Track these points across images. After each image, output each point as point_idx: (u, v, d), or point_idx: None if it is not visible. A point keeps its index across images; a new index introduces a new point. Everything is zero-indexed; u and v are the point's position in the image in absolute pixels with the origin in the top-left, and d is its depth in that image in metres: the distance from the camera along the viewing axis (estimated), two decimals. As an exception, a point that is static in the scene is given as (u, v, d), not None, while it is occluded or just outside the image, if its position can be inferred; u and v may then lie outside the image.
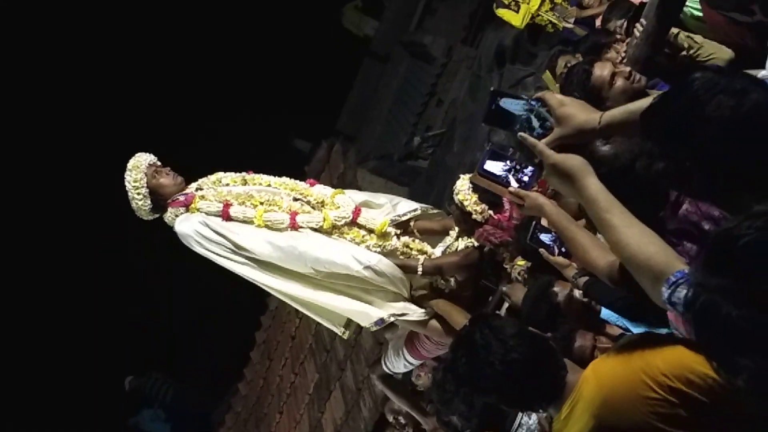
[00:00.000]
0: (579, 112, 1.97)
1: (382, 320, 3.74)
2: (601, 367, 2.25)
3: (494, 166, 2.97)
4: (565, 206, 2.78)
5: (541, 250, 3.10)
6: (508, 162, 2.98)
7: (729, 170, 1.71)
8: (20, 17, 12.75)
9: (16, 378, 13.39)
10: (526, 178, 2.91)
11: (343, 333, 3.99)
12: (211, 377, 12.81)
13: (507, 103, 2.05)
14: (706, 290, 1.29)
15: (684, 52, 3.85)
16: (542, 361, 2.31)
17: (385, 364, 4.49)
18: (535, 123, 2.04)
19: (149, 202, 3.85)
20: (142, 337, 13.58)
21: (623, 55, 3.99)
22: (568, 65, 4.23)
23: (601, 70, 3.57)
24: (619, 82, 3.58)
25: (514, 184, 2.83)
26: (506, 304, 3.81)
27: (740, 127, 1.67)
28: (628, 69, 3.64)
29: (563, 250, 3.21)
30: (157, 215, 3.93)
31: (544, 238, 3.15)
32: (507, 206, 4.01)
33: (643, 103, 1.88)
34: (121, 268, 13.46)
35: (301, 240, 3.69)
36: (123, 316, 13.79)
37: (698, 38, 4.01)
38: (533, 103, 2.03)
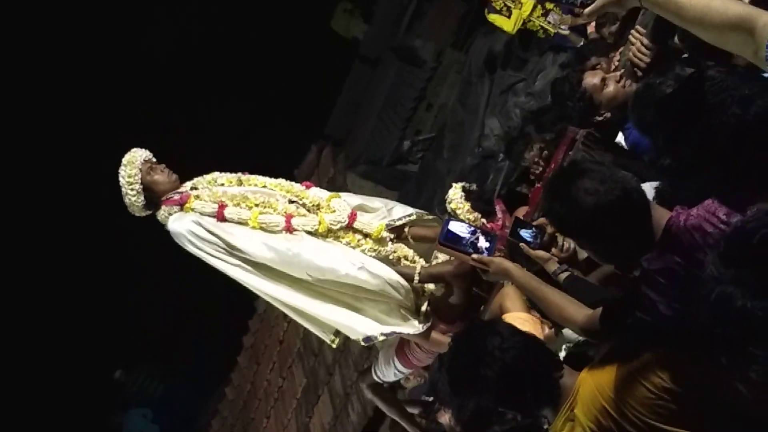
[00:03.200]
0: None
1: (370, 338, 3.70)
2: (596, 370, 2.31)
3: (458, 228, 3.03)
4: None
5: (522, 244, 3.12)
6: (468, 225, 3.05)
7: (731, 174, 1.77)
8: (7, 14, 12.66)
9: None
10: (487, 245, 2.98)
11: (333, 341, 3.96)
12: (198, 381, 12.76)
13: None
14: (721, 282, 1.30)
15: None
16: (537, 365, 2.35)
17: (375, 372, 4.46)
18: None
19: (143, 198, 3.80)
20: (131, 334, 13.53)
21: (616, 63, 4.01)
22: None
23: (592, 78, 3.63)
24: (611, 87, 3.62)
25: (483, 243, 2.92)
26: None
27: (744, 136, 1.72)
28: (618, 73, 3.68)
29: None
30: (149, 212, 3.89)
31: (525, 234, 3.17)
32: (500, 215, 4.02)
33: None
34: (115, 263, 13.41)
35: (296, 242, 3.67)
36: (112, 312, 13.73)
37: None
38: None
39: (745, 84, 1.75)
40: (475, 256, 2.95)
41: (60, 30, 12.72)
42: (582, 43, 5.36)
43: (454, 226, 3.05)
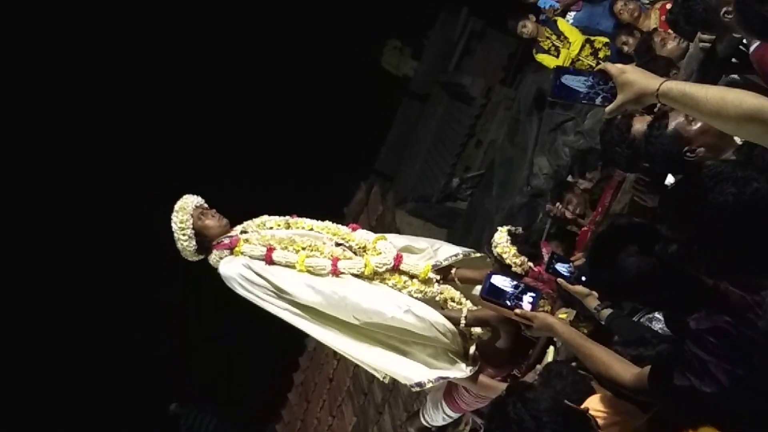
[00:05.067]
0: (639, 78, 2.02)
1: (421, 384, 3.66)
2: None
3: (501, 282, 2.99)
4: None
5: (559, 279, 3.06)
6: (512, 279, 3.01)
7: (733, 252, 1.85)
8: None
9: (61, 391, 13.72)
10: (530, 299, 2.92)
11: (384, 377, 3.93)
12: (249, 417, 12.83)
13: (569, 80, 2.12)
14: None
15: None
16: None
17: (424, 417, 4.42)
18: (598, 99, 2.10)
19: (194, 243, 3.88)
20: (185, 369, 13.80)
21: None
22: None
23: (640, 124, 3.62)
24: None
25: (527, 297, 2.87)
26: (547, 358, 3.75)
27: (742, 213, 1.82)
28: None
29: (583, 279, 3.16)
30: (201, 256, 3.96)
31: (561, 268, 3.10)
32: (546, 258, 3.98)
33: (698, 89, 1.92)
34: (171, 303, 13.74)
35: (342, 286, 3.68)
36: (168, 349, 14.04)
37: None
38: (594, 79, 2.10)
39: (738, 168, 1.88)
40: (518, 311, 2.90)
41: (110, 75, 13.14)
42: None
43: (497, 280, 3.00)
